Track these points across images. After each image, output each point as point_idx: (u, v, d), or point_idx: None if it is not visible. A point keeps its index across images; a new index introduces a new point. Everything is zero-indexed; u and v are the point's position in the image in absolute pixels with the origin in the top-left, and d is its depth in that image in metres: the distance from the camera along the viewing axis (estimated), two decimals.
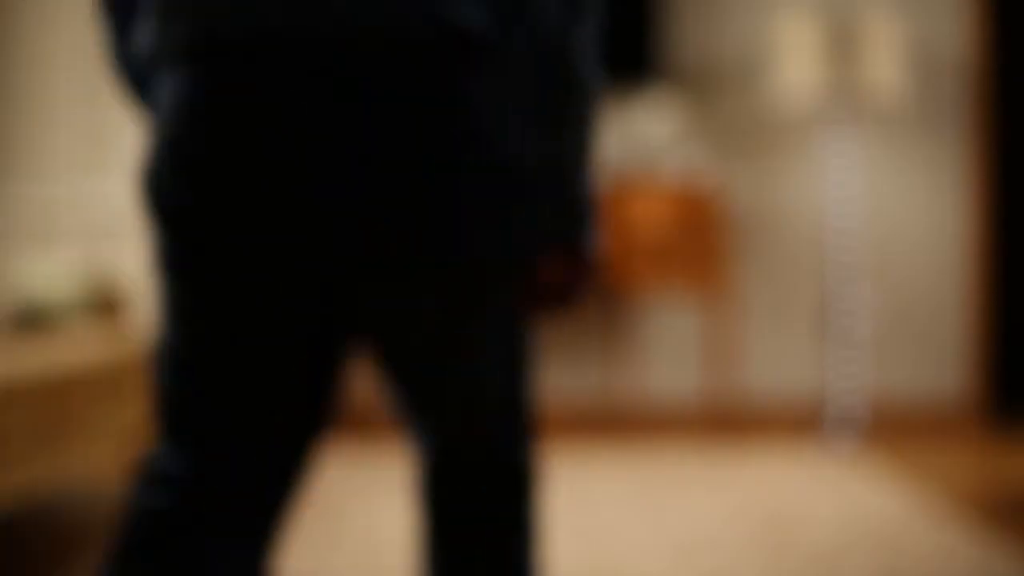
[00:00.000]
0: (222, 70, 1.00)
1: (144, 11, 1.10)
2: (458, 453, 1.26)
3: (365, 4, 0.98)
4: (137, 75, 1.19)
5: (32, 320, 3.62)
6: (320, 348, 1.09)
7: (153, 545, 1.07)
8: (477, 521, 1.28)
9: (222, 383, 1.08)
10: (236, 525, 1.10)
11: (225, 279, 1.04)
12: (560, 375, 5.03)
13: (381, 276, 1.04)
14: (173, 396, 1.10)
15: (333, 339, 1.10)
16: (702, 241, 4.66)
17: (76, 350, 2.76)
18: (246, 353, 1.07)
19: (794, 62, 4.44)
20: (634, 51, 4.91)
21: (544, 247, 1.16)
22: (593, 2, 1.12)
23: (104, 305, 3.76)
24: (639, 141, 4.99)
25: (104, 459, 2.73)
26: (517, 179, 1.07)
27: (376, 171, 1.00)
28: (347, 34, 0.98)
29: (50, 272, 3.70)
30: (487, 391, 1.18)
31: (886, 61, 4.42)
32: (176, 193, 1.02)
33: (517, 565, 1.28)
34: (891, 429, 4.76)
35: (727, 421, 4.92)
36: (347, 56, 0.98)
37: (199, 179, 1.00)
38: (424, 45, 0.99)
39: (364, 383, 4.83)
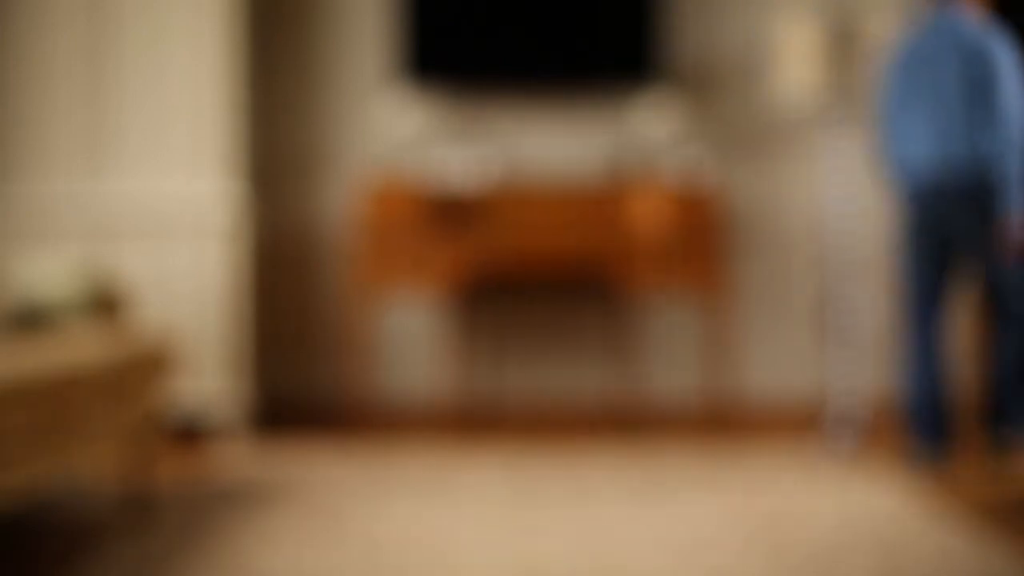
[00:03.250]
0: (922, 193, 3.92)
1: (908, 144, 3.95)
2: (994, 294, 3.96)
3: (959, 182, 3.85)
4: (897, 172, 3.96)
5: (32, 320, 3.62)
6: (948, 256, 3.96)
7: (917, 321, 3.98)
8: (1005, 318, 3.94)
9: (922, 265, 3.95)
10: (941, 316, 3.96)
11: (931, 231, 3.93)
12: (560, 375, 5.03)
13: (968, 232, 3.89)
14: (910, 270, 3.97)
15: (950, 254, 3.96)
16: (702, 241, 4.67)
17: (76, 350, 2.76)
18: (929, 256, 3.94)
19: (794, 63, 4.45)
20: (634, 51, 4.91)
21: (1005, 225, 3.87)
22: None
23: (104, 305, 3.77)
24: (639, 141, 4.99)
25: (104, 459, 2.73)
26: (997, 210, 3.88)
27: (970, 211, 3.89)
28: (957, 184, 3.87)
29: (50, 272, 3.70)
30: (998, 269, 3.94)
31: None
32: (919, 207, 3.95)
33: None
34: (891, 429, 4.76)
35: (727, 421, 4.92)
36: (958, 191, 3.87)
37: (931, 211, 3.94)
38: (979, 187, 3.86)
39: (363, 383, 4.83)
